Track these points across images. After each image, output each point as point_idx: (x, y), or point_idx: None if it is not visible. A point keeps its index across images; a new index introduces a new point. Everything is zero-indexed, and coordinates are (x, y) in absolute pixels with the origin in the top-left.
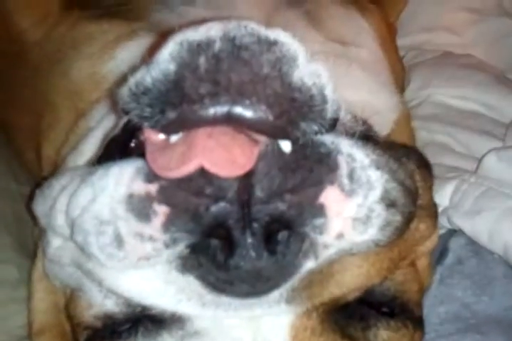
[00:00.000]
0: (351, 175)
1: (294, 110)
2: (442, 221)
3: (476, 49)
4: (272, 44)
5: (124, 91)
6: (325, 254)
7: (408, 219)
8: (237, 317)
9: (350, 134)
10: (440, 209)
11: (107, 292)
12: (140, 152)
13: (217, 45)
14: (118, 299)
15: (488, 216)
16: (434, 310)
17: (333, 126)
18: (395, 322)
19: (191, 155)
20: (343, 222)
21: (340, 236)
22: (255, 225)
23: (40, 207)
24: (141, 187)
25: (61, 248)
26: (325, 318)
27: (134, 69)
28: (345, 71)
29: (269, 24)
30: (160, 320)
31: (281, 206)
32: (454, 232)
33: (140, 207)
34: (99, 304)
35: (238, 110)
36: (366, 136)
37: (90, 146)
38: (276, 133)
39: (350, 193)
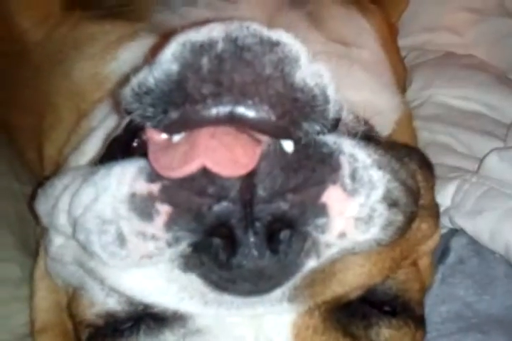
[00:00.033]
0: (353, 175)
1: (296, 110)
2: (444, 221)
3: (477, 49)
4: (274, 45)
5: (127, 92)
6: (327, 253)
7: (410, 219)
8: (240, 315)
9: (352, 134)
10: (442, 209)
11: (109, 290)
12: (142, 152)
13: (220, 46)
14: (120, 297)
15: (490, 216)
16: (436, 309)
17: (335, 126)
18: (397, 321)
19: (194, 155)
20: (345, 221)
21: (342, 235)
22: (257, 224)
23: (42, 206)
24: (143, 186)
25: (63, 246)
26: (327, 317)
27: (136, 69)
28: (347, 71)
29: (271, 25)
30: (162, 318)
31: (283, 205)
32: (455, 232)
33: (142, 207)
34: (101, 302)
35: (241, 110)
36: (368, 136)
37: (92, 146)
38: (278, 133)
39: (352, 193)
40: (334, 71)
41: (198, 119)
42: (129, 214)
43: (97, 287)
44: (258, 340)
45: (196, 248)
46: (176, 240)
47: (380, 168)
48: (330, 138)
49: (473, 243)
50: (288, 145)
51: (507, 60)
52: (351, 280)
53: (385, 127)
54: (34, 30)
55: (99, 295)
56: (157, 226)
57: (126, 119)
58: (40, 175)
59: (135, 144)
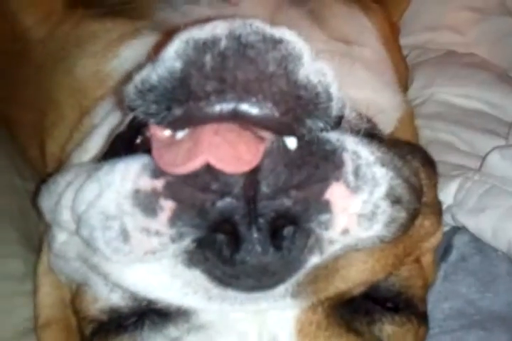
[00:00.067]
0: (356, 172)
1: (299, 107)
2: (446, 218)
3: (479, 48)
4: (277, 42)
5: (130, 89)
6: (330, 250)
7: (413, 216)
8: (243, 311)
9: (355, 132)
10: (444, 207)
11: (112, 286)
12: (146, 149)
13: (223, 43)
14: (124, 293)
15: (492, 213)
16: (439, 306)
17: (338, 123)
18: (400, 317)
19: (197, 152)
20: (348, 217)
21: (345, 232)
22: (261, 221)
23: (45, 203)
24: (147, 182)
25: (66, 243)
26: (330, 313)
27: (139, 67)
28: (348, 70)
29: (272, 23)
30: (166, 313)
31: (286, 202)
32: (458, 230)
33: (146, 202)
34: (105, 298)
35: (244, 107)
36: (371, 134)
37: (95, 143)
38: (282, 129)
39: (355, 189)
40: (336, 69)
41: (201, 116)
42: (133, 209)
43: (101, 283)
44: (261, 336)
45: (200, 244)
46: (180, 236)
47: (383, 165)
48: (333, 136)
49: (476, 240)
50: (291, 143)
51: (508, 58)
52: (354, 277)
53: (387, 125)
54: (36, 28)
55: (102, 291)
56: (161, 221)
57: (130, 116)
58: (42, 172)
59: (138, 141)
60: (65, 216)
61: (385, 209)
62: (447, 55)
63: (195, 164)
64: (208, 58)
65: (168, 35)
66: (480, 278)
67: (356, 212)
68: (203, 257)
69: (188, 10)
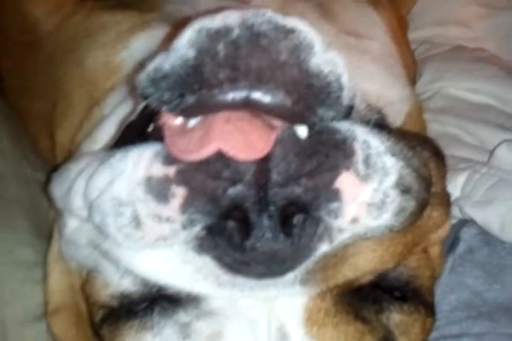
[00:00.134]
0: (367, 161)
1: (311, 96)
2: (454, 211)
3: (487, 43)
4: (289, 32)
5: (143, 77)
6: (339, 238)
7: (422, 206)
8: (253, 297)
9: (365, 122)
10: (452, 200)
11: (123, 272)
12: (157, 137)
13: (236, 32)
14: (135, 279)
15: (500, 206)
16: (445, 298)
17: (348, 113)
18: (408, 307)
19: (209, 139)
20: (358, 206)
21: (355, 220)
22: (272, 208)
23: (57, 190)
24: (159, 169)
25: (78, 229)
26: (339, 300)
27: (151, 56)
28: (357, 63)
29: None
30: (176, 299)
31: (297, 190)
32: (465, 222)
33: (159, 189)
34: (115, 284)
35: (257, 95)
36: (380, 125)
37: (104, 134)
38: (293, 118)
39: (365, 178)
40: (345, 62)
41: (214, 103)
42: (145, 196)
43: (112, 269)
44: (270, 322)
45: (211, 230)
46: (191, 222)
47: (393, 154)
48: (344, 125)
49: (483, 233)
50: (302, 131)
51: None
52: (363, 265)
53: (395, 119)
54: (47, 20)
55: (113, 277)
56: (172, 208)
57: (142, 105)
58: (52, 163)
59: (150, 129)
60: (77, 203)
61: (395, 198)
62: (455, 49)
63: (207, 151)
64: (220, 46)
65: (180, 25)
66: (487, 270)
67: (366, 201)
68: (213, 244)
69: (196, 2)
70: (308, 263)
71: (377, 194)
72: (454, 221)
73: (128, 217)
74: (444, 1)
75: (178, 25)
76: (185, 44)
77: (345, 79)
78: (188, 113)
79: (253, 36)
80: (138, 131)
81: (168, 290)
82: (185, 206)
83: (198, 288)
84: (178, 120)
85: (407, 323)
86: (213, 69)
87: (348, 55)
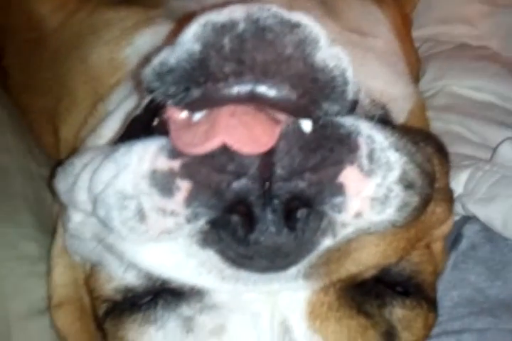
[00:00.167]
0: (371, 156)
1: (316, 90)
2: (456, 208)
3: (491, 41)
4: (294, 26)
5: (149, 71)
6: (343, 233)
7: (425, 201)
8: (256, 291)
9: (369, 117)
10: (455, 197)
11: (127, 266)
12: (162, 131)
13: (241, 26)
14: (138, 272)
15: (503, 203)
16: (448, 294)
17: (353, 108)
18: (410, 301)
19: (214, 133)
20: (361, 201)
21: (358, 215)
22: (275, 202)
23: (61, 184)
24: (164, 163)
25: (82, 223)
26: (341, 294)
27: (157, 50)
28: (361, 61)
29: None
30: (179, 293)
31: (301, 184)
32: (468, 219)
33: (163, 183)
34: (119, 277)
35: (262, 89)
36: (384, 121)
37: (109, 129)
38: (298, 111)
39: (369, 173)
40: (349, 59)
41: (219, 97)
42: (150, 189)
43: (116, 262)
44: (273, 316)
45: (214, 224)
46: (195, 216)
47: (397, 149)
48: (348, 120)
49: (486, 230)
50: (306, 126)
51: None
52: (366, 259)
53: (398, 116)
54: (52, 17)
55: (117, 271)
56: (177, 202)
57: (147, 99)
58: (56, 158)
59: (155, 123)
60: (82, 196)
61: (398, 193)
62: (459, 47)
63: (212, 144)
64: (226, 40)
65: (185, 20)
66: (489, 267)
67: (369, 196)
68: (217, 237)
69: None
70: (312, 258)
71: (381, 189)
72: (456, 218)
73: (132, 211)
74: (448, 0)
75: (184, 20)
76: (191, 38)
77: (350, 74)
78: (193, 107)
79: (258, 30)
80: (143, 125)
81: (171, 283)
82: (190, 199)
83: (202, 281)
84: (184, 114)
85: (409, 318)
86: (219, 63)
87: (351, 53)
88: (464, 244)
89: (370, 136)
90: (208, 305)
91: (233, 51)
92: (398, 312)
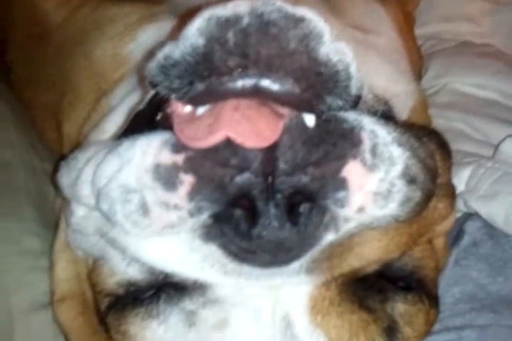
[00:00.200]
0: (374, 151)
1: (319, 84)
2: (458, 205)
3: (493, 38)
4: (299, 20)
5: (153, 65)
6: (345, 227)
7: (428, 196)
8: (258, 286)
9: (372, 113)
10: (456, 193)
11: (130, 260)
12: (166, 125)
13: (246, 20)
14: (141, 267)
15: (505, 200)
16: (449, 290)
17: (356, 103)
18: (412, 296)
19: (218, 127)
20: (364, 195)
21: (361, 210)
22: (278, 196)
23: (64, 178)
24: (167, 157)
25: (85, 218)
26: (343, 289)
27: (161, 45)
28: (363, 58)
29: None
30: (182, 287)
31: (304, 178)
32: (469, 216)
33: (166, 176)
34: (122, 272)
35: (266, 83)
36: (387, 116)
37: (112, 124)
38: (301, 106)
39: (372, 168)
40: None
41: (223, 91)
42: (153, 183)
43: (119, 257)
44: (275, 311)
45: (217, 218)
46: (198, 210)
47: (399, 144)
48: (351, 115)
49: (488, 226)
50: (310, 120)
51: None
52: (368, 254)
53: (400, 113)
54: (56, 12)
55: (120, 265)
56: (180, 195)
57: (150, 93)
58: (59, 154)
59: (159, 117)
60: (85, 191)
61: (401, 188)
62: (462, 45)
63: (216, 138)
64: (230, 34)
65: (189, 14)
66: (491, 263)
67: (372, 190)
68: (220, 232)
69: None
70: (314, 252)
71: (384, 183)
72: (458, 214)
73: (135, 204)
74: None
75: (188, 15)
76: (195, 32)
77: (353, 69)
78: (196, 101)
79: (263, 24)
80: (146, 119)
81: (174, 277)
82: (193, 193)
83: (204, 275)
84: (187, 108)
85: (411, 313)
86: (223, 57)
87: (354, 50)
88: (465, 241)
89: (373, 130)
90: (210, 299)
91: (237, 45)
92: (400, 307)
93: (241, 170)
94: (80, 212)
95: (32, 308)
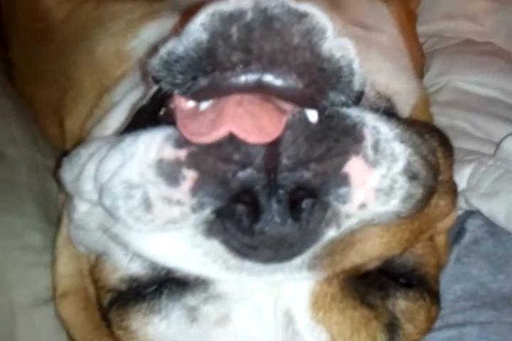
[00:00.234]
0: (376, 147)
1: (322, 80)
2: (460, 202)
3: (496, 37)
4: (302, 16)
5: (156, 60)
6: (347, 224)
7: (429, 193)
8: (260, 281)
9: (375, 109)
10: (458, 191)
11: (132, 255)
12: (169, 121)
13: (249, 15)
14: (143, 262)
15: (506, 197)
16: (450, 288)
17: (358, 99)
18: (413, 293)
19: (221, 122)
20: (366, 192)
21: (362, 206)
22: (281, 192)
23: (67, 174)
24: (170, 152)
25: (88, 213)
26: (345, 285)
27: (164, 40)
28: (365, 55)
29: None
30: (184, 282)
31: (306, 174)
32: (471, 214)
33: (169, 172)
34: (124, 267)
35: (269, 78)
36: (389, 113)
37: (115, 120)
38: (304, 101)
39: (374, 164)
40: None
41: (226, 86)
42: (156, 179)
43: (121, 252)
44: (277, 306)
45: (220, 214)
46: (201, 205)
47: (402, 141)
48: (353, 111)
49: (489, 224)
50: (312, 116)
51: None
52: (370, 251)
53: (402, 111)
54: (58, 8)
55: (122, 261)
56: (183, 191)
57: (153, 89)
58: (61, 150)
59: (162, 113)
60: (88, 186)
61: (403, 184)
62: (464, 43)
63: (219, 133)
64: (234, 30)
65: (192, 11)
66: (492, 261)
67: (374, 187)
68: (222, 227)
69: None
70: (316, 248)
71: (386, 180)
72: (459, 212)
73: (138, 200)
74: None
75: (190, 11)
76: (199, 27)
77: (356, 65)
78: (200, 96)
79: (266, 19)
80: (149, 115)
81: (176, 273)
82: (196, 189)
83: (206, 271)
84: (190, 103)
85: (412, 310)
86: (226, 52)
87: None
88: (466, 238)
89: (376, 127)
90: (212, 295)
91: (241, 40)
92: (401, 304)
93: (244, 165)
94: (82, 208)
95: (34, 304)
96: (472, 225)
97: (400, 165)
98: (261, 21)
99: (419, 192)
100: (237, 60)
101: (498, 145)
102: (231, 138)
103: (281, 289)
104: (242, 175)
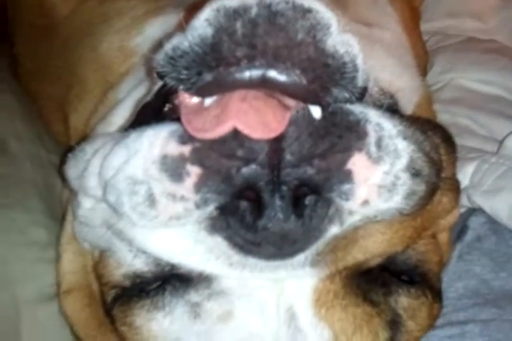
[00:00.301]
0: (379, 143)
1: (326, 76)
2: (462, 200)
3: (499, 35)
4: (306, 11)
5: (161, 56)
6: (350, 220)
7: (432, 190)
8: (263, 278)
9: (378, 106)
10: (461, 188)
11: (136, 252)
12: (173, 117)
13: (254, 11)
14: (147, 258)
15: (508, 195)
16: (453, 285)
17: (362, 95)
18: (416, 290)
19: (225, 118)
20: (369, 188)
21: (365, 203)
22: (284, 188)
23: (72, 171)
24: (174, 148)
25: (92, 209)
26: (347, 282)
27: (169, 36)
28: (369, 52)
29: None
30: (187, 279)
31: (309, 170)
32: (473, 211)
33: (173, 168)
34: (128, 263)
35: (273, 73)
36: (392, 110)
37: (119, 117)
38: (308, 97)
39: (377, 160)
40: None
41: (231, 81)
42: (160, 175)
43: (125, 248)
44: (279, 303)
45: (223, 210)
46: (204, 202)
47: (405, 138)
48: (357, 107)
49: (491, 222)
50: (316, 112)
51: None
52: (372, 247)
53: (405, 109)
54: (63, 5)
55: (126, 257)
56: (187, 187)
57: (158, 85)
58: (66, 146)
59: (166, 109)
60: (92, 182)
61: (405, 181)
62: (467, 41)
63: (223, 129)
64: (238, 25)
65: (197, 6)
66: (494, 259)
67: (377, 183)
68: (225, 224)
69: None
70: (319, 245)
71: (389, 176)
72: (462, 210)
73: (142, 196)
74: None
75: (195, 7)
76: (204, 23)
77: (360, 61)
78: (204, 92)
79: (271, 15)
80: (154, 111)
81: (180, 269)
82: (199, 185)
83: (210, 267)
84: (195, 99)
85: (414, 307)
86: (231, 48)
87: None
88: (469, 236)
89: (379, 123)
90: (215, 291)
91: (245, 36)
92: (403, 301)
93: (247, 161)
94: (86, 204)
95: (38, 300)
96: (475, 223)
97: (403, 161)
98: (265, 17)
99: (421, 189)
100: (242, 55)
101: (501, 142)
102: (235, 133)
103: (284, 286)
104: (245, 171)
